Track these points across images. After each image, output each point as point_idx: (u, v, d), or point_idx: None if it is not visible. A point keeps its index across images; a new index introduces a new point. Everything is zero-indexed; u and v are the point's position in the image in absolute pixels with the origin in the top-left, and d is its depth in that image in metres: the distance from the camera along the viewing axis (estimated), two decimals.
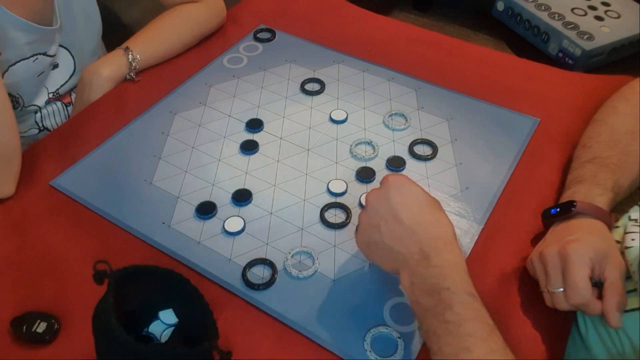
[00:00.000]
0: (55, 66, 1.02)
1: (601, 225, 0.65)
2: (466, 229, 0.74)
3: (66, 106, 1.08)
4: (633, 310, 0.61)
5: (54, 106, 1.06)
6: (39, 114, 1.04)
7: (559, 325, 0.66)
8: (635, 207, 0.68)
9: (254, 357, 0.63)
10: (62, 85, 1.05)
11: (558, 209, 0.69)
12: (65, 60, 1.03)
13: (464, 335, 0.52)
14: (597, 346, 0.64)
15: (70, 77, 1.05)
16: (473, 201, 0.78)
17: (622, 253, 0.63)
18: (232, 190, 0.79)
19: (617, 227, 0.68)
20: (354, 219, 0.76)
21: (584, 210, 0.66)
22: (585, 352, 0.65)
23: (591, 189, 0.69)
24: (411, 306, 0.58)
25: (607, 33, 1.53)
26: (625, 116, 0.78)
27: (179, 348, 0.53)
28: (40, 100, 1.03)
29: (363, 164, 0.83)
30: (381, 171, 0.82)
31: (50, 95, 1.04)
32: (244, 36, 1.08)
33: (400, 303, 0.67)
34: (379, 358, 0.62)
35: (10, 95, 0.92)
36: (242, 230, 0.75)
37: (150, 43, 1.00)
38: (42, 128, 1.06)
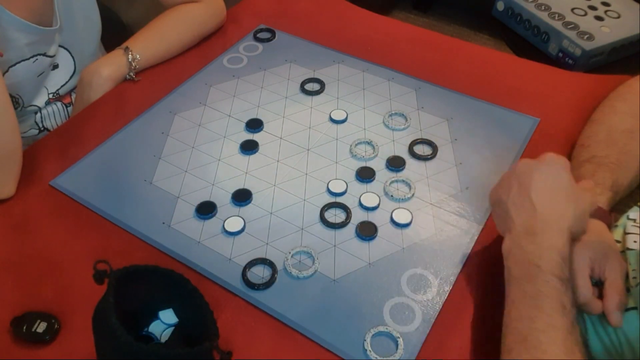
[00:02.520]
0: (55, 66, 1.02)
1: (601, 225, 0.65)
2: (466, 229, 0.74)
3: (66, 107, 1.08)
4: (630, 309, 0.61)
5: (54, 107, 1.06)
6: (39, 115, 1.04)
7: None
8: (635, 208, 0.68)
9: (254, 357, 0.63)
10: (62, 86, 1.05)
11: None
12: (65, 61, 1.03)
13: (534, 306, 0.55)
14: (595, 346, 0.64)
15: (71, 77, 1.05)
16: (473, 201, 0.78)
17: (623, 253, 0.63)
18: (232, 190, 0.80)
19: (617, 226, 0.68)
20: (354, 219, 0.76)
21: None
22: None
23: None
24: (505, 269, 0.61)
25: (607, 33, 1.53)
26: (623, 115, 0.78)
27: (179, 348, 0.53)
28: (40, 101, 1.03)
29: (363, 164, 0.83)
30: (381, 171, 0.82)
31: (51, 96, 1.04)
32: (244, 36, 1.08)
33: (400, 303, 0.67)
34: (379, 358, 0.62)
35: (10, 95, 0.92)
36: (242, 230, 0.75)
37: (150, 43, 1.00)
38: (42, 129, 1.06)
